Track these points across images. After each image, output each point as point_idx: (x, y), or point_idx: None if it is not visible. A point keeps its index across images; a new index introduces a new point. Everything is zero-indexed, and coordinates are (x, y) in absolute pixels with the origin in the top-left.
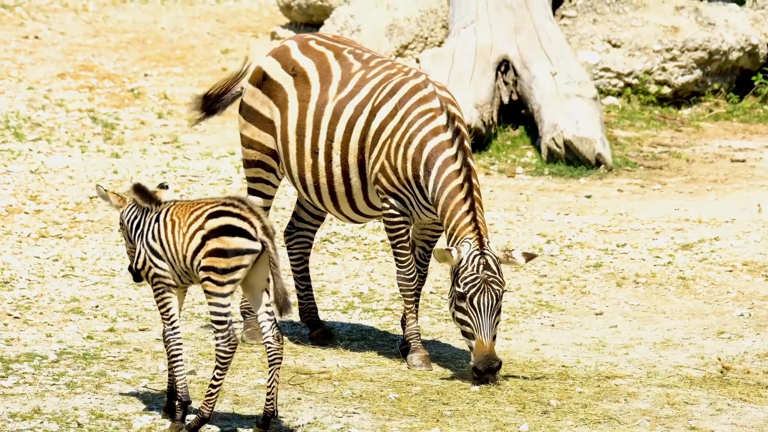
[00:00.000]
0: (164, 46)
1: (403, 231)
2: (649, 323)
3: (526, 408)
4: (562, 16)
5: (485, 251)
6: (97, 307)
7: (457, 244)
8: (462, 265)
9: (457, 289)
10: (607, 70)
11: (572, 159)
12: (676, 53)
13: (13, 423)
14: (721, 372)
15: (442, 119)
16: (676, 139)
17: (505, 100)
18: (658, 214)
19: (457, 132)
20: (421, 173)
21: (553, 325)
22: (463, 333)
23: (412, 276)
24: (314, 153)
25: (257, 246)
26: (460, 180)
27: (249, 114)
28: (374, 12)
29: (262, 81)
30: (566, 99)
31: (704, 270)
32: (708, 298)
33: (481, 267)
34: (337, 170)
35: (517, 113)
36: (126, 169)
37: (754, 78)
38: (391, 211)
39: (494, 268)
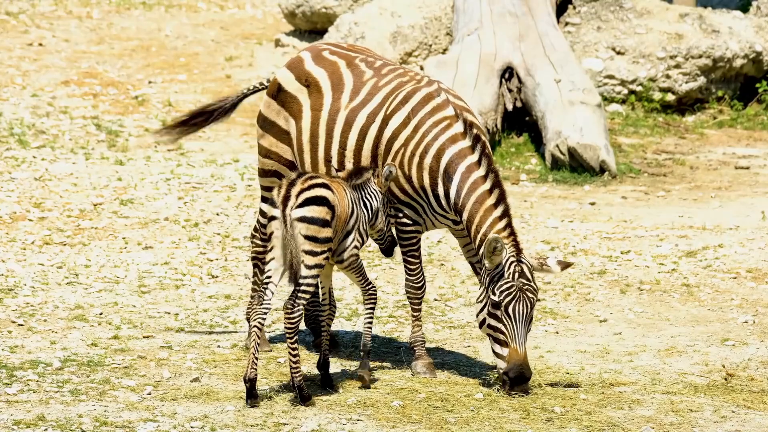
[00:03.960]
0: (168, 54)
1: (414, 239)
2: (653, 330)
3: (531, 415)
4: (567, 24)
5: (521, 258)
6: (101, 314)
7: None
8: (498, 271)
9: (493, 297)
10: (611, 77)
11: (576, 166)
12: (680, 60)
13: (17, 430)
14: (726, 379)
15: (459, 127)
16: (680, 146)
17: (509, 107)
18: (662, 221)
19: (477, 139)
20: (440, 181)
21: (557, 332)
22: (494, 340)
23: (420, 284)
24: (327, 161)
25: (276, 212)
26: (487, 186)
27: (266, 125)
28: (378, 19)
29: (277, 92)
30: (570, 106)
31: (708, 277)
32: (712, 305)
33: (517, 275)
34: None
35: (521, 120)
36: (130, 176)
37: (758, 85)
38: (404, 219)
39: (529, 275)
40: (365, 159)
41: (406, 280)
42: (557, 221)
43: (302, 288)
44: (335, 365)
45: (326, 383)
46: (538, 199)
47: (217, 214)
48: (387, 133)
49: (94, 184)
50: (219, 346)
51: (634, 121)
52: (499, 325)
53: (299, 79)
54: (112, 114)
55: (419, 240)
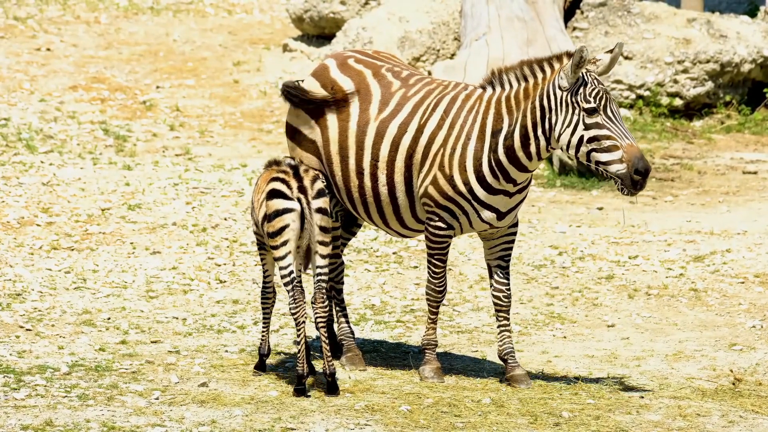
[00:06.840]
0: (176, 59)
1: (445, 244)
2: (660, 335)
3: (538, 420)
4: (574, 29)
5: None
6: (108, 319)
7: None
8: (580, 82)
9: (587, 104)
10: (618, 82)
11: (584, 171)
12: (688, 65)
13: None
14: (733, 384)
15: (488, 92)
16: (688, 151)
17: None
18: (670, 226)
19: (499, 75)
20: (485, 153)
21: (565, 337)
22: (600, 150)
23: (442, 288)
24: (359, 173)
25: (293, 204)
26: (523, 85)
27: (294, 135)
28: (386, 24)
29: None
30: None
31: (716, 282)
32: (720, 310)
33: (597, 80)
34: (383, 189)
35: None
36: (138, 181)
37: (765, 90)
38: (439, 223)
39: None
40: (398, 170)
41: (428, 282)
42: (565, 226)
43: (323, 278)
44: (343, 370)
45: (332, 389)
46: (546, 204)
47: (225, 219)
48: (423, 141)
49: (102, 189)
50: (227, 351)
51: (641, 125)
52: (603, 132)
53: (324, 87)
54: (119, 119)
55: (449, 245)
